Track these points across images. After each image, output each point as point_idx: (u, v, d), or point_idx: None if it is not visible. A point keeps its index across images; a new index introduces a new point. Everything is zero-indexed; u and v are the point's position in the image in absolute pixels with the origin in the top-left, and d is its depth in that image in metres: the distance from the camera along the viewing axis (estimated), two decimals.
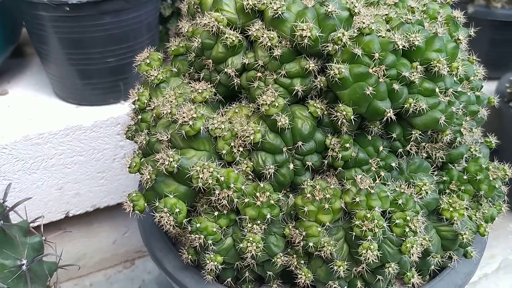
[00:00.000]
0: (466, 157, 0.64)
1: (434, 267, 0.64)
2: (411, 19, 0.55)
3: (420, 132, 0.58)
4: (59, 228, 1.08)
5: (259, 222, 0.56)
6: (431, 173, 0.63)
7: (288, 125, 0.56)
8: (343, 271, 0.56)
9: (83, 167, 1.03)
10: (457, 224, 0.61)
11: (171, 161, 0.54)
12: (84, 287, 1.17)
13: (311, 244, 0.55)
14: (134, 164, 0.61)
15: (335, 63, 0.53)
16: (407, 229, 0.55)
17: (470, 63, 0.64)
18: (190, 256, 0.61)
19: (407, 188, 0.59)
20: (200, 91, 0.60)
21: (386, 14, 0.57)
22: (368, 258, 0.53)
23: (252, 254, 0.55)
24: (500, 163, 0.65)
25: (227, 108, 0.60)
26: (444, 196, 0.62)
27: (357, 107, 0.54)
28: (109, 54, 0.94)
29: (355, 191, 0.56)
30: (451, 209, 0.61)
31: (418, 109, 0.55)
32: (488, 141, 0.67)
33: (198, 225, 0.56)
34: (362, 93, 0.53)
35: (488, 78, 1.24)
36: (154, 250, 0.68)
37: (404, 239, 0.56)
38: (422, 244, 0.58)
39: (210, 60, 0.60)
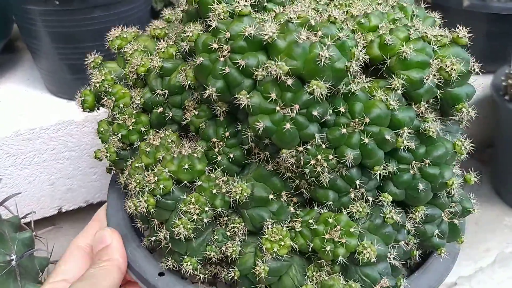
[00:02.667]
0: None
1: None
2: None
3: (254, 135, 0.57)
4: (52, 224, 1.15)
5: (117, 137, 0.68)
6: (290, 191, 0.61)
7: (159, 69, 0.64)
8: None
9: (75, 162, 1.09)
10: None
11: (92, 61, 0.73)
12: None
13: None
14: None
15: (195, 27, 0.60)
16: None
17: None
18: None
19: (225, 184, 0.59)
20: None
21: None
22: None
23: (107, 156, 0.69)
24: None
25: None
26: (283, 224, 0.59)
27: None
28: (100, 49, 1.03)
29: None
30: (269, 236, 0.57)
31: (243, 104, 0.54)
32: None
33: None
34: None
35: (484, 72, 1.25)
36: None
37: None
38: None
39: None
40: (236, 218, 0.61)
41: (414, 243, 0.62)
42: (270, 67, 0.52)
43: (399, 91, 0.56)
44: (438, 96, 0.60)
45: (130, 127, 0.66)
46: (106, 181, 1.07)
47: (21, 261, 0.64)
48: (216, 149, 0.61)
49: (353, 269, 0.57)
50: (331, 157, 0.55)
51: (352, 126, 0.55)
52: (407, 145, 0.56)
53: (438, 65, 0.58)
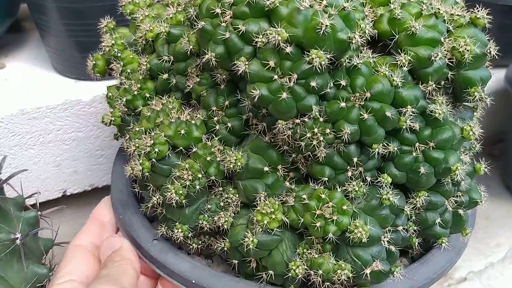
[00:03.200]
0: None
1: None
2: None
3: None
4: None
5: (122, 101, 0.69)
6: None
7: (166, 35, 0.65)
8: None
9: (81, 144, 1.06)
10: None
11: (105, 26, 0.74)
12: None
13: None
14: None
15: None
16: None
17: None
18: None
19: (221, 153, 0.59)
20: None
21: None
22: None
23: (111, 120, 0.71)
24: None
25: None
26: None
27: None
28: None
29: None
30: (261, 208, 0.56)
31: (241, 70, 0.53)
32: None
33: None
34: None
35: (498, 65, 1.26)
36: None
37: None
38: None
39: None
40: (231, 189, 0.60)
41: (414, 230, 0.61)
42: (270, 33, 0.51)
43: (405, 68, 0.54)
44: (450, 78, 0.58)
45: (135, 92, 0.67)
46: (112, 165, 1.08)
47: (26, 241, 0.62)
48: (216, 118, 0.61)
49: (344, 249, 0.56)
50: (328, 131, 0.54)
51: (352, 101, 0.54)
52: (410, 125, 0.54)
53: (450, 44, 0.56)
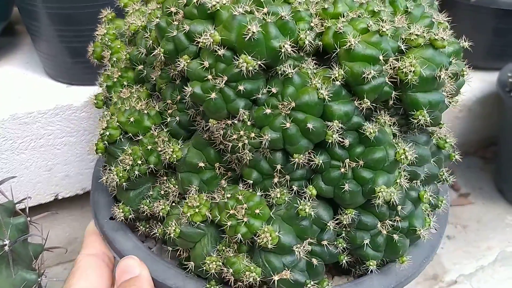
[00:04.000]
0: None
1: None
2: None
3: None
4: (48, 211, 1.09)
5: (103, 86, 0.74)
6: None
7: (142, 29, 0.69)
8: None
9: (73, 148, 1.07)
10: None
11: (105, 17, 0.80)
12: None
13: None
14: None
15: None
16: None
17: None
18: None
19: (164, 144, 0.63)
20: None
21: None
22: None
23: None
24: None
25: None
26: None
27: None
28: None
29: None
30: (189, 201, 0.59)
31: (179, 67, 0.57)
32: None
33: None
34: None
35: (491, 69, 1.41)
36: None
37: None
38: None
39: None
40: (172, 180, 0.64)
41: (344, 248, 0.60)
42: (205, 35, 0.54)
43: (337, 82, 0.54)
44: (396, 98, 0.57)
45: (115, 79, 0.72)
46: None
47: (14, 247, 0.62)
48: (169, 111, 0.64)
49: (258, 253, 0.57)
50: (253, 135, 0.55)
51: (279, 109, 0.55)
52: (338, 140, 0.54)
53: (396, 64, 0.55)
